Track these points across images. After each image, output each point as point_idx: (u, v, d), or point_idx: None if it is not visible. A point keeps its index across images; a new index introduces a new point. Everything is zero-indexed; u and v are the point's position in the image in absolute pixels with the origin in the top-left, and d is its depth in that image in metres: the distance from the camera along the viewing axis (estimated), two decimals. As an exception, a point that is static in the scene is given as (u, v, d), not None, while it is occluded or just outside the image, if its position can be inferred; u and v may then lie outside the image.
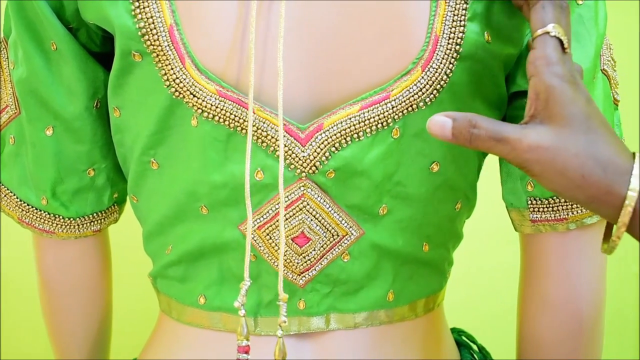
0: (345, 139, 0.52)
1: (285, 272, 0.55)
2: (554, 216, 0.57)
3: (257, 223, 0.54)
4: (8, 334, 1.02)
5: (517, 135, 0.45)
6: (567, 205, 0.57)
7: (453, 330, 0.67)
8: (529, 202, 0.58)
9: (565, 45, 0.47)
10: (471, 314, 0.93)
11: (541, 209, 0.58)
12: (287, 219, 0.53)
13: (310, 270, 0.55)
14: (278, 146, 0.52)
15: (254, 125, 0.51)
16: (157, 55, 0.51)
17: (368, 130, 0.52)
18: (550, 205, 0.57)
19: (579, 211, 0.57)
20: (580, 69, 0.49)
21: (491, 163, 0.61)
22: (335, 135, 0.52)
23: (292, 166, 0.52)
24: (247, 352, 0.51)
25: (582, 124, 0.45)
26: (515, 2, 0.50)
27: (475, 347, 0.68)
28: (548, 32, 0.46)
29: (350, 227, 0.54)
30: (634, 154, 0.45)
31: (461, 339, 0.68)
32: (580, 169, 0.45)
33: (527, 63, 0.46)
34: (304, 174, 0.52)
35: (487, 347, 0.69)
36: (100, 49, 0.57)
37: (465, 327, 0.70)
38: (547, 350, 0.60)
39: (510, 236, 0.64)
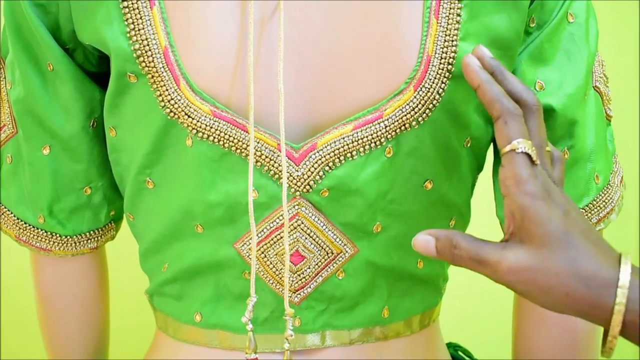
0: (338, 158, 0.52)
1: (280, 290, 0.55)
2: None
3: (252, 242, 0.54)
4: (8, 334, 1.02)
5: (496, 257, 0.45)
6: None
7: (449, 345, 0.68)
8: (523, 218, 0.58)
9: (534, 159, 0.46)
10: (467, 329, 0.93)
11: None
12: (281, 238, 0.54)
13: (305, 288, 0.55)
14: (272, 165, 0.52)
15: (248, 146, 0.52)
16: (152, 77, 0.52)
17: (361, 149, 0.52)
18: None
19: None
20: (559, 157, 0.48)
21: (485, 179, 0.62)
22: (328, 154, 0.52)
23: (287, 185, 0.53)
24: None
25: (561, 240, 0.44)
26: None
27: (471, 362, 0.68)
28: (514, 149, 0.45)
29: (345, 244, 0.55)
30: (620, 257, 0.45)
31: (457, 354, 0.69)
32: (563, 288, 0.44)
33: (500, 181, 0.46)
34: (298, 193, 0.53)
35: (483, 362, 0.69)
36: (96, 69, 0.57)
37: (461, 342, 0.70)
38: None
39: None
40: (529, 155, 0.46)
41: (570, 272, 0.44)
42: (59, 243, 0.61)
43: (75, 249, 0.62)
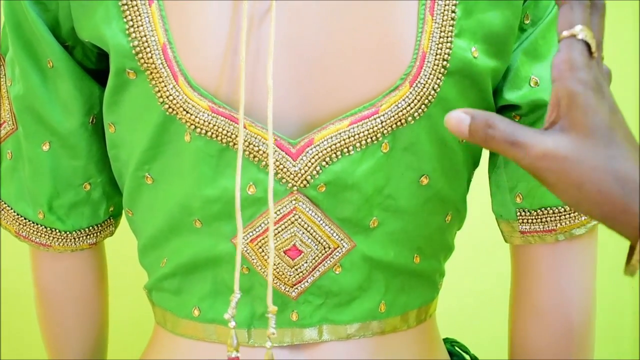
0: (335, 153, 0.53)
1: (278, 284, 0.56)
2: (543, 227, 0.58)
3: (250, 236, 0.55)
4: (8, 334, 1.02)
5: (532, 140, 0.43)
6: (555, 217, 0.58)
7: (446, 340, 0.68)
8: (518, 213, 0.59)
9: (593, 50, 0.44)
10: (464, 325, 0.94)
11: (530, 221, 0.59)
12: (279, 232, 0.54)
13: (302, 283, 0.56)
14: (269, 160, 0.53)
15: (245, 141, 0.52)
16: (151, 73, 0.52)
17: (358, 144, 0.53)
18: (539, 217, 0.58)
19: (568, 222, 0.58)
20: (609, 72, 0.46)
21: (482, 174, 0.62)
22: (325, 149, 0.53)
23: (284, 180, 0.53)
24: None
25: (604, 135, 0.42)
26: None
27: (467, 357, 0.69)
28: (574, 35, 0.43)
29: (342, 239, 0.55)
30: None
31: (454, 349, 0.69)
32: (597, 184, 0.42)
33: (551, 66, 0.44)
34: (295, 188, 0.53)
35: (480, 357, 0.70)
36: (95, 66, 0.58)
37: (458, 338, 0.70)
38: (538, 357, 0.61)
39: (501, 247, 0.64)
40: (588, 45, 0.44)
41: (608, 169, 0.42)
42: (58, 238, 0.62)
43: (75, 244, 0.62)
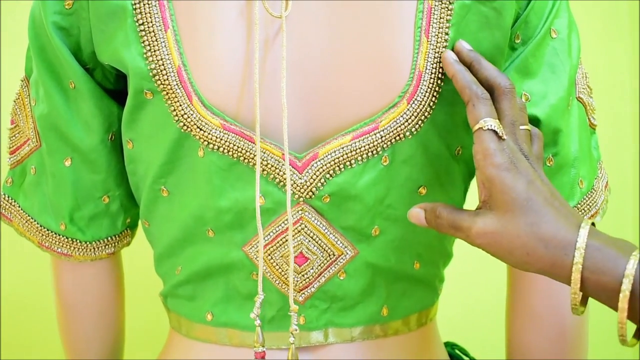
0: (338, 166, 0.56)
1: (286, 289, 0.59)
2: None
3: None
4: (8, 334, 1.03)
5: (468, 223, 0.51)
6: None
7: (446, 343, 0.70)
8: (512, 221, 0.62)
9: (500, 134, 0.51)
10: (464, 328, 0.96)
11: None
12: (286, 241, 0.57)
13: (309, 288, 0.59)
14: (278, 174, 0.56)
15: (255, 156, 0.56)
16: (167, 94, 0.56)
17: (359, 158, 0.56)
18: None
19: None
20: (537, 132, 0.54)
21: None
22: (329, 163, 0.56)
23: (291, 192, 0.56)
24: (263, 358, 0.55)
25: (523, 206, 0.49)
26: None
27: (467, 360, 0.71)
28: (481, 127, 0.51)
29: (346, 247, 0.58)
30: (580, 222, 0.49)
31: (454, 352, 0.71)
32: (524, 248, 0.49)
33: (472, 157, 0.52)
34: (301, 199, 0.57)
35: None
36: (114, 87, 0.61)
37: (458, 341, 0.72)
38: (534, 359, 0.63)
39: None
40: (495, 132, 0.51)
41: (530, 234, 0.49)
42: (79, 248, 0.64)
43: (94, 254, 0.65)
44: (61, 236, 0.64)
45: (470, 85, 0.53)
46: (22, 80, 0.65)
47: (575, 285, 0.48)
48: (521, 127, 0.53)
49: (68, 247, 0.64)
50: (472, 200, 0.65)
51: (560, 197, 0.51)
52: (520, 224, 0.49)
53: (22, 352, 1.04)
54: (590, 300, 0.65)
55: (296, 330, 0.55)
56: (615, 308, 0.47)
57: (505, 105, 0.53)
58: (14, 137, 0.66)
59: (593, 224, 0.50)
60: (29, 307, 1.04)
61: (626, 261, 0.46)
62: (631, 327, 0.49)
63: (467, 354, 0.72)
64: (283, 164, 0.55)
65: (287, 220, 0.57)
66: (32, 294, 1.03)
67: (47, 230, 0.64)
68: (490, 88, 0.54)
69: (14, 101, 0.66)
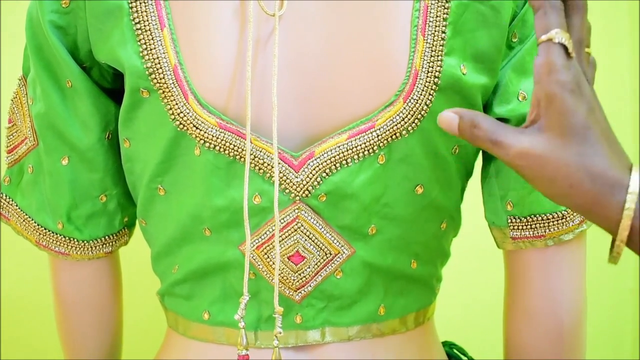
0: (335, 165, 0.56)
1: (283, 288, 0.59)
2: (533, 233, 0.61)
3: (256, 243, 0.58)
4: (8, 334, 1.03)
5: (511, 140, 0.46)
6: (544, 223, 0.61)
7: (444, 343, 0.70)
8: (509, 220, 0.62)
9: (570, 51, 0.46)
10: (461, 328, 0.96)
11: (520, 227, 0.61)
12: (283, 239, 0.57)
13: (305, 287, 0.59)
14: (273, 172, 0.56)
15: (251, 154, 0.56)
16: (163, 92, 0.56)
17: (356, 157, 0.56)
18: (529, 223, 0.61)
19: (556, 228, 0.61)
20: (594, 62, 0.49)
21: (476, 184, 0.65)
22: (325, 162, 0.56)
23: (287, 191, 0.56)
24: None
25: (578, 135, 0.45)
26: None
27: (465, 359, 0.71)
28: (551, 39, 0.46)
29: (342, 246, 0.58)
30: (631, 166, 0.46)
31: (452, 352, 0.71)
32: (569, 179, 0.45)
33: (533, 69, 0.47)
34: (298, 198, 0.57)
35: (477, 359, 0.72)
36: (111, 85, 0.61)
37: (456, 340, 0.72)
38: (531, 358, 0.63)
39: (497, 253, 0.67)
40: (565, 47, 0.46)
41: (579, 165, 0.45)
42: (76, 247, 0.65)
43: (92, 253, 0.65)
44: (58, 235, 0.64)
45: None
46: (19, 79, 0.65)
47: (623, 232, 0.44)
48: (586, 49, 0.48)
49: (65, 246, 0.65)
50: (472, 199, 0.66)
51: (613, 132, 0.47)
52: (572, 152, 0.45)
53: (22, 352, 1.04)
54: (590, 299, 0.65)
55: (280, 333, 0.55)
56: None
57: (576, 21, 0.47)
58: (11, 136, 0.66)
59: None
60: (29, 307, 1.04)
61: None
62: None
63: (465, 354, 0.72)
64: (279, 162, 0.55)
65: (283, 218, 0.57)
66: (32, 294, 1.03)
67: (45, 229, 0.65)
68: None
69: (12, 100, 0.66)
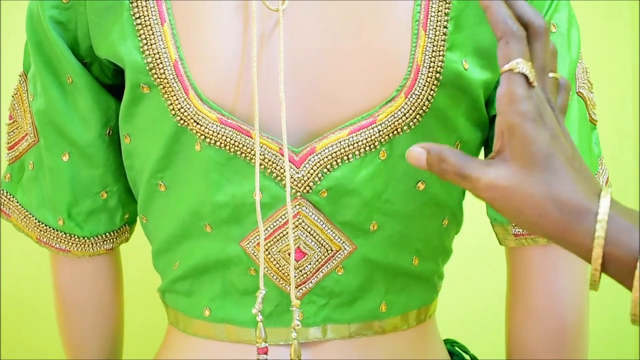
0: (336, 160, 0.56)
1: (284, 284, 0.59)
2: None
3: (257, 240, 0.58)
4: (8, 334, 1.03)
5: (478, 173, 0.46)
6: None
7: (446, 341, 0.70)
8: (511, 217, 0.61)
9: (531, 80, 0.46)
10: (464, 326, 0.96)
11: None
12: (283, 235, 0.57)
13: (306, 283, 0.59)
14: (275, 168, 0.56)
15: (253, 150, 0.55)
16: (164, 87, 0.56)
17: (357, 152, 0.56)
18: None
19: None
20: (565, 84, 0.49)
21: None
22: (326, 157, 0.56)
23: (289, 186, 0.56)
24: (265, 353, 0.55)
25: (541, 163, 0.45)
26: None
27: (467, 357, 0.70)
28: (512, 69, 0.46)
29: (343, 242, 0.58)
30: (600, 191, 0.45)
31: (454, 349, 0.71)
32: (536, 209, 0.45)
33: (496, 99, 0.47)
34: (299, 194, 0.56)
35: (479, 357, 0.72)
36: (111, 81, 0.61)
37: (458, 338, 0.72)
38: (533, 356, 0.63)
39: (499, 250, 0.66)
40: (526, 77, 0.46)
41: (544, 194, 0.45)
42: (77, 244, 0.65)
43: (92, 249, 0.65)
44: (59, 231, 0.64)
45: (506, 20, 0.46)
46: (20, 76, 0.65)
47: (596, 260, 0.44)
48: (550, 75, 0.48)
49: (66, 242, 0.65)
50: (473, 199, 0.65)
51: (581, 158, 0.47)
52: (537, 181, 0.45)
53: (22, 352, 1.04)
54: (592, 299, 0.65)
55: (298, 325, 0.55)
56: (630, 287, 0.44)
57: (538, 48, 0.47)
58: (12, 133, 0.66)
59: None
60: (29, 307, 1.04)
61: None
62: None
63: (467, 352, 0.71)
64: (280, 159, 0.55)
65: (284, 214, 0.57)
66: (32, 294, 1.03)
67: (45, 225, 0.65)
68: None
69: (12, 96, 0.66)
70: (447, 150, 0.48)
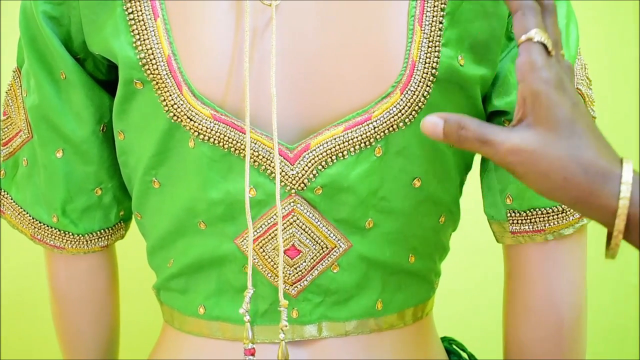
0: (331, 157, 0.55)
1: (278, 282, 0.58)
2: (532, 227, 0.60)
3: (252, 237, 0.57)
4: (8, 334, 1.03)
5: (500, 138, 0.46)
6: (544, 217, 0.60)
7: (444, 339, 0.70)
8: (509, 214, 0.61)
9: (550, 49, 0.47)
10: (461, 323, 0.95)
11: (520, 221, 0.61)
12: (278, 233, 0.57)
13: (302, 281, 0.58)
14: (269, 165, 0.55)
15: (246, 146, 0.55)
16: (157, 83, 0.55)
17: (352, 149, 0.55)
18: (529, 217, 0.61)
19: (556, 222, 0.60)
20: (570, 66, 0.49)
21: (476, 178, 0.65)
22: (321, 154, 0.55)
23: (282, 183, 0.56)
24: (252, 355, 0.55)
25: (566, 128, 0.46)
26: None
27: (465, 355, 0.70)
28: (531, 38, 0.47)
29: (339, 239, 0.58)
30: (621, 159, 0.46)
31: (451, 347, 0.71)
32: (562, 171, 0.45)
33: (515, 69, 0.47)
34: (293, 191, 0.56)
35: (476, 355, 0.71)
36: (105, 77, 0.61)
37: (455, 336, 0.72)
38: (530, 354, 0.63)
39: (497, 247, 0.66)
40: (545, 46, 0.47)
41: (570, 158, 0.45)
42: (71, 241, 0.64)
43: (87, 246, 0.65)
44: (53, 228, 0.64)
45: None
46: (14, 72, 0.65)
47: (621, 222, 0.45)
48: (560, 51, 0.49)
49: (60, 239, 0.64)
50: (471, 193, 0.65)
51: (597, 126, 0.48)
52: (564, 145, 0.45)
53: (22, 352, 1.04)
54: (592, 298, 0.65)
55: (286, 326, 0.54)
56: None
57: (549, 22, 0.48)
58: (6, 129, 0.66)
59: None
60: (29, 307, 1.04)
61: None
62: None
63: (464, 349, 0.71)
64: (274, 155, 0.55)
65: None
66: (31, 294, 1.03)
67: (40, 222, 0.64)
68: None
69: (6, 92, 0.66)
70: (465, 117, 0.48)
